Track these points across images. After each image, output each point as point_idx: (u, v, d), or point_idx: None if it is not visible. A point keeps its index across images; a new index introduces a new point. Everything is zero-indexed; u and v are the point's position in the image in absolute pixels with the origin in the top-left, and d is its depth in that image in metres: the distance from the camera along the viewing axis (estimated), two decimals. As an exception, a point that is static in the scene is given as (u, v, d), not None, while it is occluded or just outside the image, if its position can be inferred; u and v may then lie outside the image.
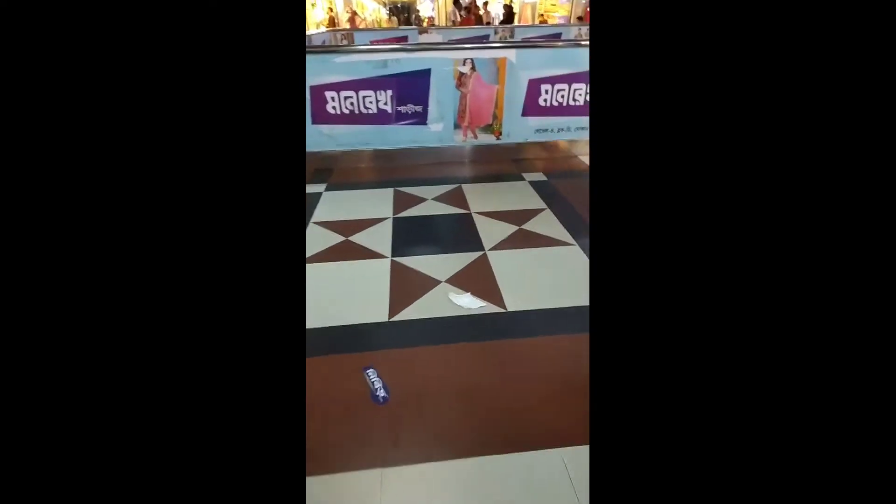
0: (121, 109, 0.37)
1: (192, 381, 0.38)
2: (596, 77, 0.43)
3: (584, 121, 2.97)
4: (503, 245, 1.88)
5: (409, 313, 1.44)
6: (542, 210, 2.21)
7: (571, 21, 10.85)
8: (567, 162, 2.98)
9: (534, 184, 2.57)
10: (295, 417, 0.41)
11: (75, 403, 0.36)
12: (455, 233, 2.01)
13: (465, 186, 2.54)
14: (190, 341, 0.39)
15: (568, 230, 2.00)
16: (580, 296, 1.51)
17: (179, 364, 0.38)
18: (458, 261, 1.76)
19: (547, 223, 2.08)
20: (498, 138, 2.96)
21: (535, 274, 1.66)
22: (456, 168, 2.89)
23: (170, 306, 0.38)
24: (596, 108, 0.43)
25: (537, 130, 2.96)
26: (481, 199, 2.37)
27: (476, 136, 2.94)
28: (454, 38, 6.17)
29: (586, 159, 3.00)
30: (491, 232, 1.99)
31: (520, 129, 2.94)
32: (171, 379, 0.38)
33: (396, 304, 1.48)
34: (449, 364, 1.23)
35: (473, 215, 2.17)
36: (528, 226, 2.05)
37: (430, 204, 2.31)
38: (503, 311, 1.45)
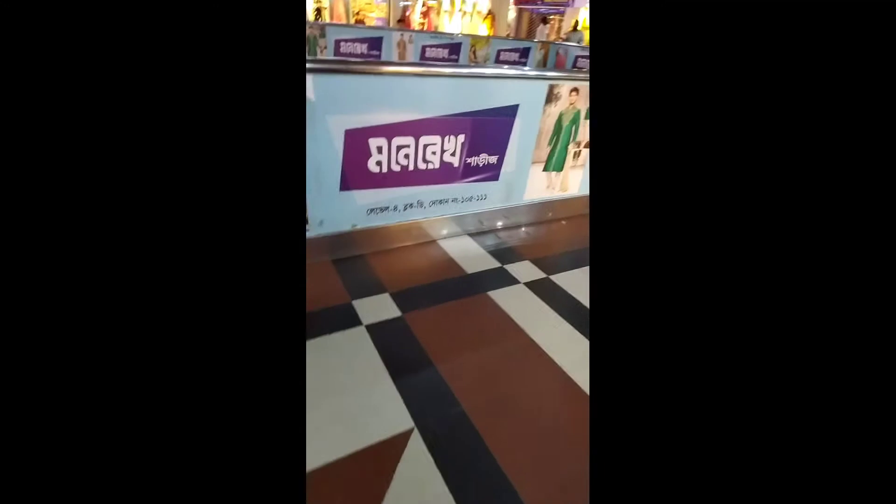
0: (120, 111, 0.37)
1: (192, 379, 0.38)
2: (596, 81, 0.43)
3: (444, 190, 1.89)
4: None
5: None
6: (407, 436, 1.03)
7: (391, 25, 9.96)
8: (426, 257, 1.86)
9: (375, 330, 1.36)
10: (295, 418, 0.41)
11: (74, 403, 0.36)
12: None
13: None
14: (189, 341, 0.39)
15: (473, 524, 0.86)
16: None
17: (179, 364, 0.38)
18: None
19: None
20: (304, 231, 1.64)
21: None
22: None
23: (169, 307, 0.38)
24: (596, 110, 0.43)
25: (371, 211, 1.76)
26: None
27: (257, 231, 1.56)
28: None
29: (450, 245, 1.94)
30: None
31: (340, 213, 1.69)
32: (170, 380, 0.38)
33: None
34: None
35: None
36: (379, 532, 0.84)
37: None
38: None
